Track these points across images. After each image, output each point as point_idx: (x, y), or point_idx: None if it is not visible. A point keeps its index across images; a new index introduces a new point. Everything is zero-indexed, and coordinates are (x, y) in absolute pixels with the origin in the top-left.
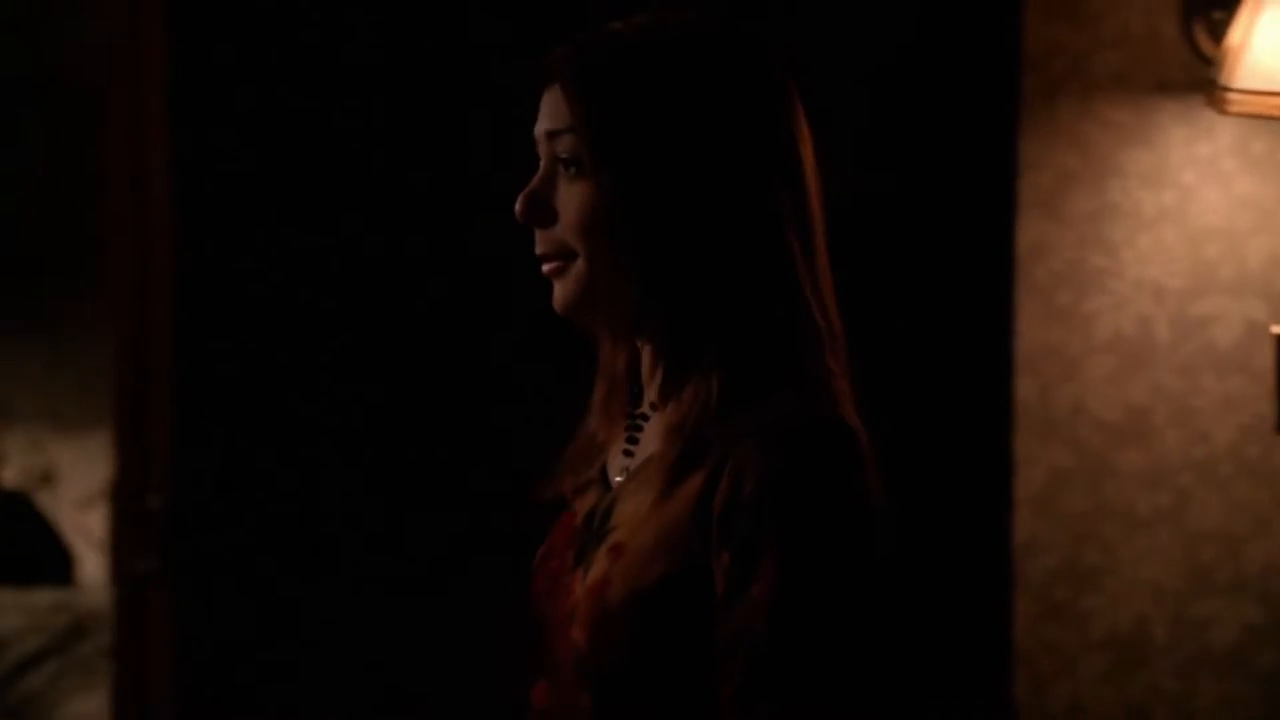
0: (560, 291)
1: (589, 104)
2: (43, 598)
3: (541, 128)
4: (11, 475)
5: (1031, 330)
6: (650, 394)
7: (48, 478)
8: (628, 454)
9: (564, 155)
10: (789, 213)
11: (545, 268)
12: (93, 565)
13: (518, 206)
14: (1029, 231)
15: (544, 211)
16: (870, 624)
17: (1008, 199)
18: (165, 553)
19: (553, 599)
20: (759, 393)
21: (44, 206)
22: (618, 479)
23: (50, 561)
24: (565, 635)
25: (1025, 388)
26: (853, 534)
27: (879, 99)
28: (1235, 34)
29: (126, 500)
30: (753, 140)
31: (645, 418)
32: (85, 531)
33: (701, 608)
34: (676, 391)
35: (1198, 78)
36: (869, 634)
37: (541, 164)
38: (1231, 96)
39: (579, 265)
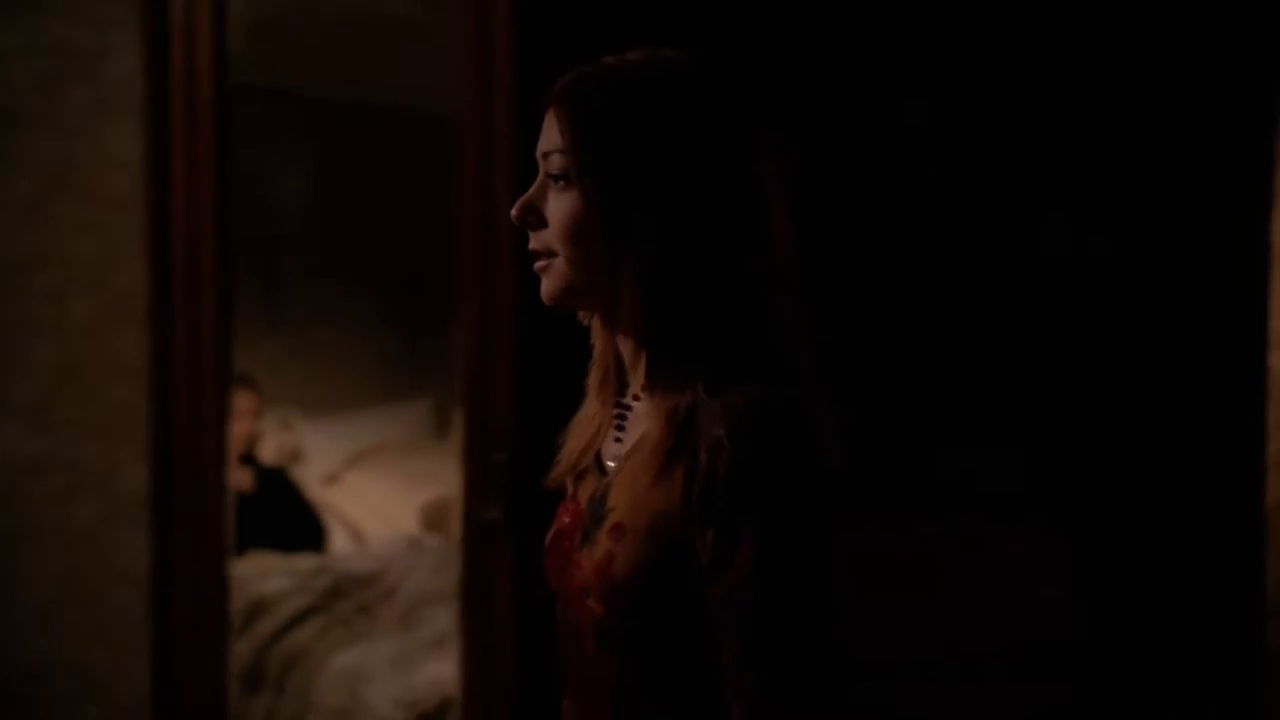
0: (545, 285)
1: (574, 129)
2: (305, 562)
3: (540, 147)
4: (268, 453)
5: None
6: (634, 384)
7: (297, 456)
8: (618, 440)
9: (554, 172)
10: (747, 223)
11: (535, 265)
12: (341, 537)
13: (513, 212)
14: None
15: (535, 217)
16: (832, 584)
17: (1264, 182)
18: (508, 504)
19: (566, 575)
20: (733, 384)
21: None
22: (610, 463)
23: (307, 532)
24: (582, 606)
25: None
26: (813, 507)
27: (1149, 96)
28: None
29: (474, 456)
30: (715, 162)
31: (630, 407)
32: (330, 506)
33: (697, 576)
34: (662, 382)
35: None
36: (834, 593)
37: (539, 177)
38: None
39: (559, 264)
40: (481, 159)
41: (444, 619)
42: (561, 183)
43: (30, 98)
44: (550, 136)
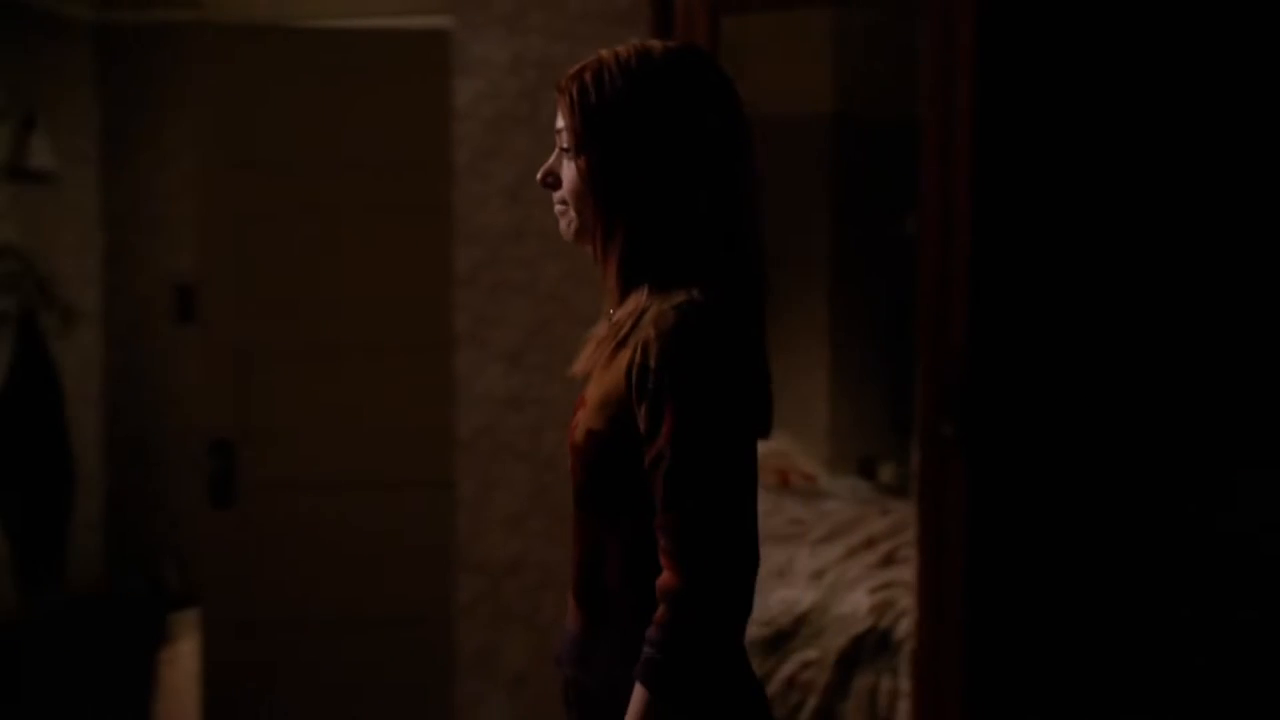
0: (562, 227)
1: (571, 114)
2: None
3: (556, 125)
4: None
5: None
6: (612, 303)
7: None
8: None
9: (562, 145)
10: (708, 179)
11: (556, 211)
12: None
13: (538, 175)
14: None
15: (554, 179)
16: (735, 440)
17: None
18: (962, 421)
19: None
20: (667, 294)
21: None
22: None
23: None
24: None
25: None
26: (721, 391)
27: None
28: None
29: (931, 377)
30: (682, 133)
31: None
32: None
33: (635, 441)
34: (626, 297)
35: None
36: (736, 446)
37: (555, 150)
38: None
39: (570, 213)
40: (941, 155)
41: (780, 555)
42: (569, 153)
43: (517, 102)
44: (560, 116)
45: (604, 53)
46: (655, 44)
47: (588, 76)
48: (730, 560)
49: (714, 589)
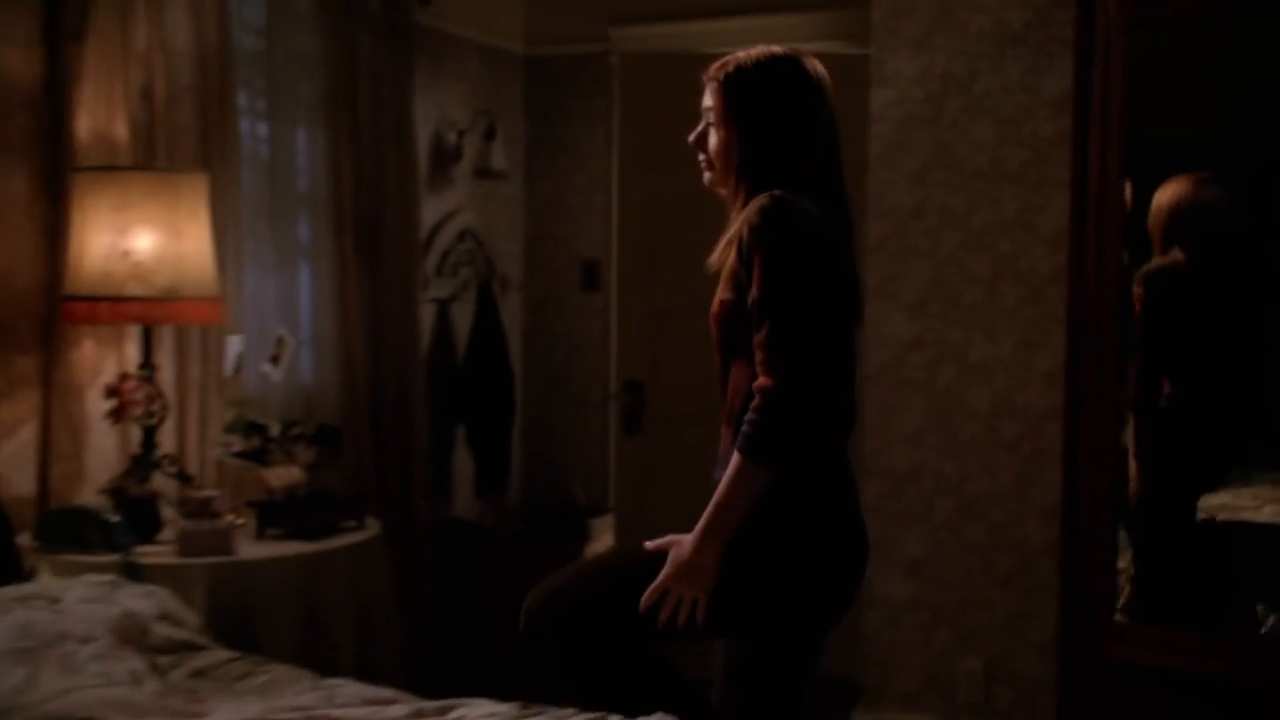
0: (708, 178)
1: (719, 95)
2: None
3: (704, 104)
4: None
5: None
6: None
7: None
8: None
9: (710, 120)
10: (808, 141)
11: (701, 164)
12: None
13: (690, 138)
14: None
15: (703, 143)
16: (808, 277)
17: None
18: None
19: None
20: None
21: None
22: None
23: None
24: None
25: None
26: (794, 248)
27: None
28: None
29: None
30: (793, 112)
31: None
32: None
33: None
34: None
35: None
36: (809, 281)
37: (703, 121)
38: None
39: (714, 169)
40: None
41: None
42: (714, 125)
43: (921, 106)
44: (709, 97)
45: (740, 53)
46: (776, 48)
47: (730, 68)
48: (803, 365)
49: (791, 384)
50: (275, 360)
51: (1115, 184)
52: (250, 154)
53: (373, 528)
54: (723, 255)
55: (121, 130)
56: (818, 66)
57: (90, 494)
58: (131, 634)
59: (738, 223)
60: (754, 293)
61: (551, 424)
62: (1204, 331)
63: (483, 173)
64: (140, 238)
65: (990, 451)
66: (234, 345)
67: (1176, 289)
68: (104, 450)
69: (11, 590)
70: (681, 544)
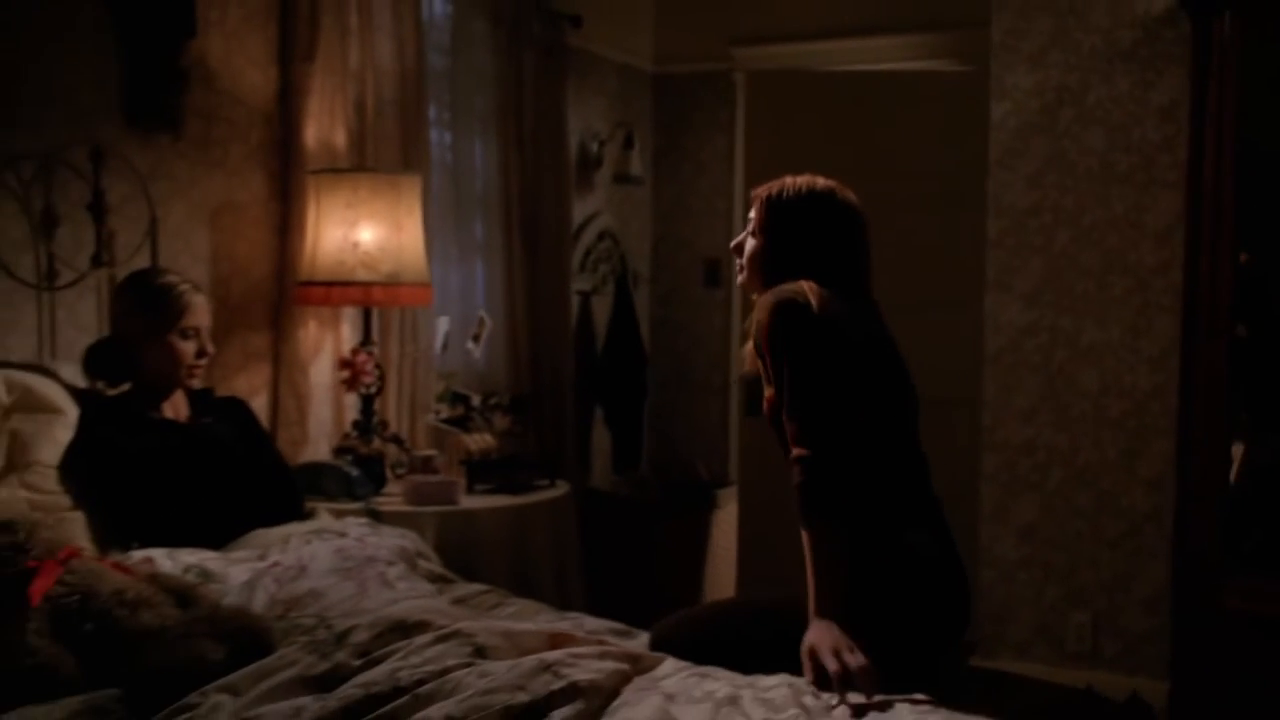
0: (740, 279)
1: (760, 210)
2: None
3: (751, 216)
4: None
5: None
6: None
7: None
8: None
9: (750, 230)
10: (831, 257)
11: (736, 266)
12: None
13: (732, 245)
14: None
15: (740, 250)
16: (816, 383)
17: None
18: None
19: None
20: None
21: None
22: None
23: None
24: None
25: None
26: (800, 340)
27: None
28: None
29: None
30: (816, 235)
31: None
32: None
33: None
34: None
35: None
36: (817, 387)
37: (745, 229)
38: None
39: (746, 271)
40: None
41: None
42: (751, 234)
43: (1037, 116)
44: (752, 212)
45: (787, 179)
46: (819, 181)
47: (774, 190)
48: (824, 434)
49: (816, 449)
50: (476, 339)
51: (1228, 182)
52: (437, 160)
53: (562, 487)
54: (751, 358)
55: (340, 138)
56: (850, 196)
57: (313, 455)
58: (412, 563)
59: (751, 323)
60: (774, 387)
61: (675, 407)
62: None
63: (621, 178)
64: (366, 230)
65: (1098, 427)
66: (442, 325)
67: None
68: (322, 418)
69: (307, 525)
70: (809, 631)
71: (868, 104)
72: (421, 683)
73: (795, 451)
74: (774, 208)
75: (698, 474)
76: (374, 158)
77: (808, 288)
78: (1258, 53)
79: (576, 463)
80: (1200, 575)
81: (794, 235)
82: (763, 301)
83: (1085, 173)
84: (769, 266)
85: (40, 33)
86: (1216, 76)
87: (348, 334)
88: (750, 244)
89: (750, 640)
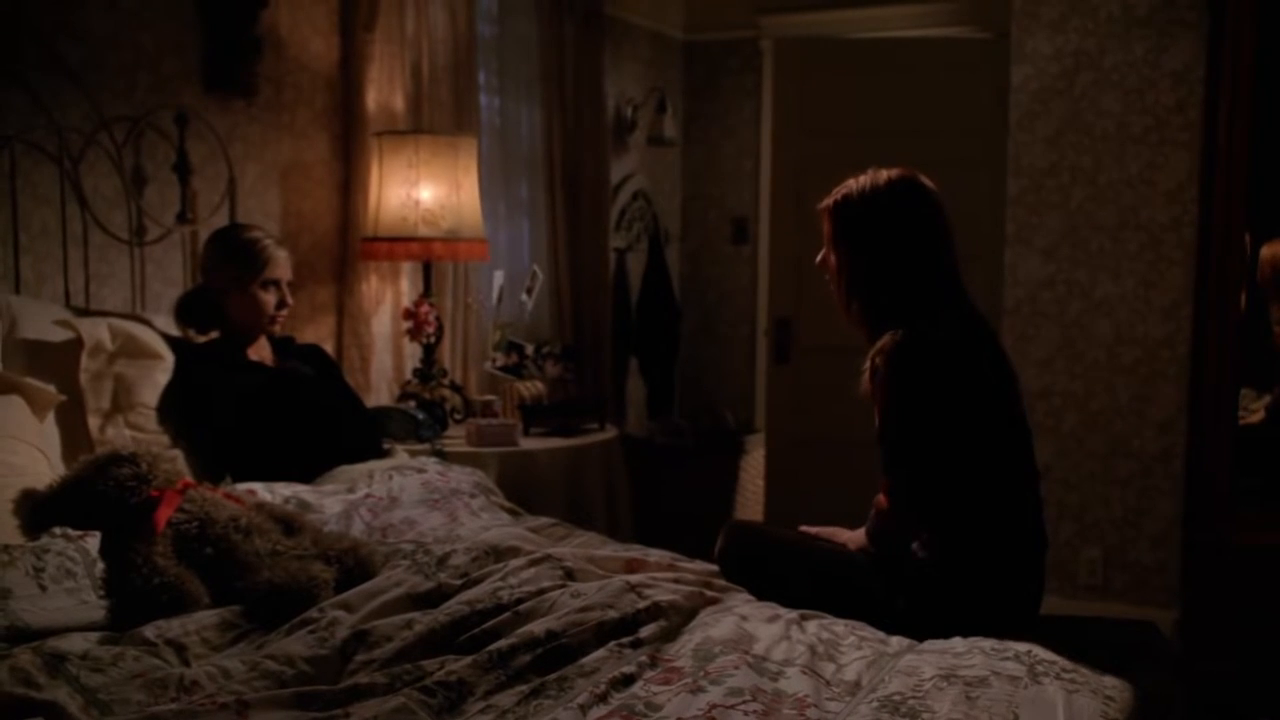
0: (836, 297)
1: (833, 223)
2: None
3: (823, 231)
4: None
5: None
6: (864, 341)
7: None
8: None
9: (828, 243)
10: (918, 255)
11: (827, 279)
12: None
13: (818, 260)
14: None
15: (825, 265)
16: (912, 429)
17: None
18: None
19: None
20: (893, 330)
21: None
22: None
23: None
24: None
25: None
26: (911, 388)
27: None
28: None
29: None
30: (900, 233)
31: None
32: None
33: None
34: (871, 340)
35: None
36: (913, 435)
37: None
38: None
39: (836, 291)
40: None
41: None
42: (832, 248)
43: (1056, 80)
44: (828, 225)
45: (849, 182)
46: (884, 173)
47: (839, 197)
48: (908, 492)
49: (897, 509)
50: (529, 291)
51: (1240, 140)
52: (486, 123)
53: (611, 430)
54: (866, 383)
55: (399, 102)
56: (920, 179)
57: (375, 401)
58: (489, 496)
59: (870, 353)
60: (878, 421)
61: (704, 358)
62: None
63: (655, 140)
64: (427, 189)
65: (1111, 373)
66: (498, 279)
67: None
68: (384, 366)
69: (386, 461)
70: (841, 536)
71: (890, 70)
72: (521, 601)
73: (880, 498)
74: (844, 215)
75: (725, 421)
76: (430, 121)
77: (923, 339)
78: (1271, 15)
79: (614, 410)
80: (1210, 508)
81: (874, 239)
82: (882, 345)
83: (1101, 134)
84: (858, 280)
85: (129, 6)
86: (1231, 40)
87: (406, 288)
88: (830, 260)
89: (811, 587)
